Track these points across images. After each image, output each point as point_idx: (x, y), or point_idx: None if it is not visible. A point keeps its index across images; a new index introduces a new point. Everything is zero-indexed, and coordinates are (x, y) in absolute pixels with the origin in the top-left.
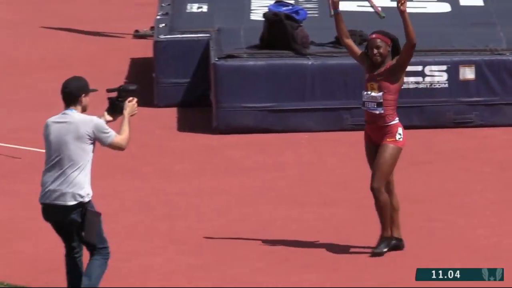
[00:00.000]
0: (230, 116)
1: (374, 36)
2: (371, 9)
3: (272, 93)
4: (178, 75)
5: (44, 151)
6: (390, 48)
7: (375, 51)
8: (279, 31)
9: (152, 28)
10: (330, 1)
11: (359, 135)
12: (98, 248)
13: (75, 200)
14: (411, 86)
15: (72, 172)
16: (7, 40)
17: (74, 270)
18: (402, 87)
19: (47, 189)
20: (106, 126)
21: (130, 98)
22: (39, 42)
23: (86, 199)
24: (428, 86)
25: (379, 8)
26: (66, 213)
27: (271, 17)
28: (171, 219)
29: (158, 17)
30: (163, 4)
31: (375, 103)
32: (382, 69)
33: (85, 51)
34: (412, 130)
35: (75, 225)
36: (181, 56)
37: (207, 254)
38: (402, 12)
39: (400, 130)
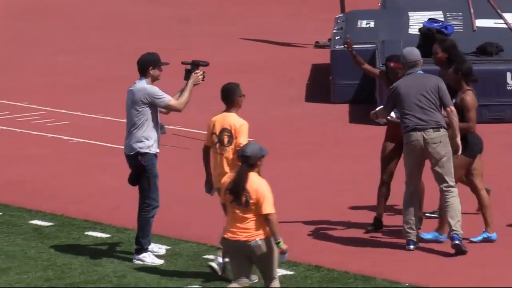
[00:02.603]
0: None
1: (393, 65)
2: (505, 25)
3: None
4: (350, 78)
5: None
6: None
7: (399, 75)
8: (431, 43)
9: (329, 40)
10: (346, 45)
11: (496, 127)
12: (145, 201)
13: (133, 150)
14: None
15: (132, 130)
16: (210, 49)
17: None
18: None
19: (124, 143)
20: (159, 92)
21: (197, 71)
22: (238, 50)
23: (143, 151)
24: None
25: None
26: (130, 160)
27: (425, 32)
28: (341, 194)
29: (334, 31)
30: (338, 21)
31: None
32: None
33: (276, 58)
34: None
35: (135, 170)
36: (352, 62)
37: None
38: None
39: None
